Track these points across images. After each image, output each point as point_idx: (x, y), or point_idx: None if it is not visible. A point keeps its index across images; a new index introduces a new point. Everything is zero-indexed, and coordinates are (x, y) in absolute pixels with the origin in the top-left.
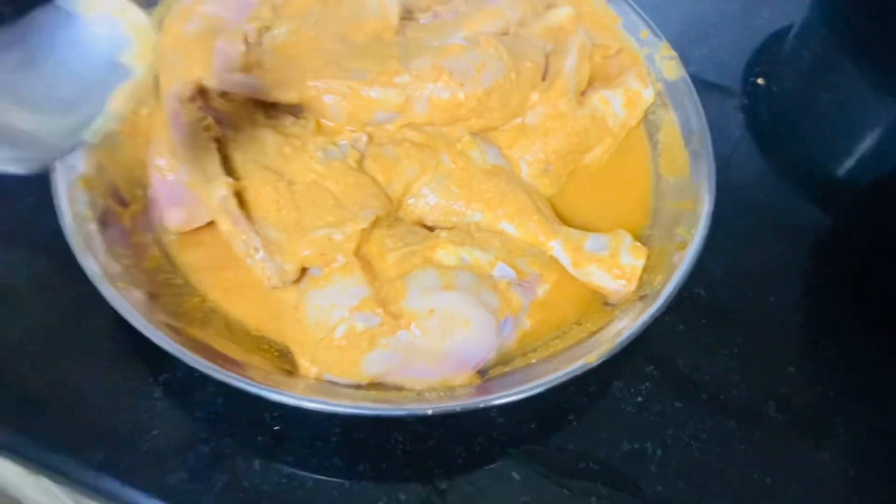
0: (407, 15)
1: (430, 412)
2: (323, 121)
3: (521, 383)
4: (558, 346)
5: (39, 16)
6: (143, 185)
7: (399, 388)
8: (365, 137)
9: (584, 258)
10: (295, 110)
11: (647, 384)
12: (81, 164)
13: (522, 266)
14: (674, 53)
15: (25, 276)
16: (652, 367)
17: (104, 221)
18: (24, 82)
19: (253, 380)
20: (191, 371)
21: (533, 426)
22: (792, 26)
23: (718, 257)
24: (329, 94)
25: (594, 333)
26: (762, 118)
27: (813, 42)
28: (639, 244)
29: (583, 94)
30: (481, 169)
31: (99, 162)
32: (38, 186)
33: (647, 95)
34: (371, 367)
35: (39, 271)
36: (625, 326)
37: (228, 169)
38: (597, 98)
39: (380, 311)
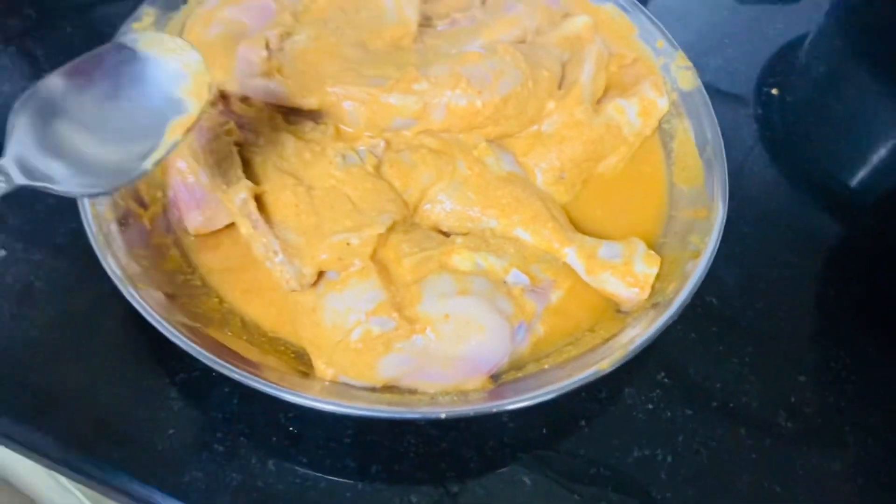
0: (425, 22)
1: (443, 416)
2: (342, 126)
3: (533, 389)
4: (571, 352)
5: (105, 54)
6: (163, 187)
7: (413, 392)
8: (383, 143)
9: (597, 265)
10: (315, 116)
11: (658, 391)
12: None
13: (536, 272)
14: (689, 63)
15: (45, 276)
16: (663, 374)
17: (124, 222)
18: (98, 117)
19: (269, 381)
20: (207, 371)
21: (544, 431)
22: (807, 36)
23: (731, 266)
24: (348, 101)
25: (607, 340)
26: (776, 128)
27: (827, 52)
28: (652, 252)
29: (598, 102)
30: (497, 176)
31: None
32: None
33: (662, 105)
34: (386, 370)
35: (59, 271)
36: (637, 334)
37: (248, 173)
38: (612, 107)
39: (395, 315)
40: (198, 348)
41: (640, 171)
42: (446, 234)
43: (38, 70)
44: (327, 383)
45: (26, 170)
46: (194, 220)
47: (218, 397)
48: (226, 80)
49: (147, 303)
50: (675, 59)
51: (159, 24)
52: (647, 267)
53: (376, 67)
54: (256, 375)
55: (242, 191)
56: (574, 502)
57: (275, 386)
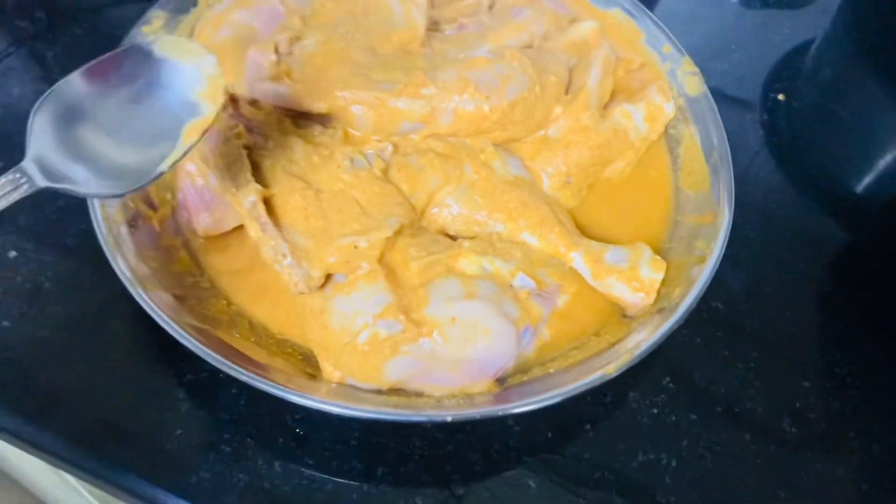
0: (433, 27)
1: (449, 419)
2: (350, 130)
3: (539, 392)
4: (577, 356)
5: (123, 56)
6: (172, 189)
7: (419, 395)
8: (390, 147)
9: (603, 270)
10: (323, 120)
11: (663, 396)
12: None
13: (543, 277)
14: (696, 69)
15: (55, 277)
16: (668, 378)
17: (134, 224)
18: (117, 120)
19: (276, 382)
20: (215, 372)
21: (549, 435)
22: (813, 42)
23: (736, 271)
24: (357, 105)
25: (612, 345)
26: (782, 133)
27: (834, 58)
28: (658, 257)
29: (605, 107)
30: (504, 180)
31: None
32: None
33: (669, 110)
34: (393, 372)
35: (68, 272)
36: (643, 339)
37: (258, 176)
38: (619, 112)
39: (402, 318)
40: (206, 350)
41: (647, 176)
42: (453, 238)
43: (48, 72)
44: (334, 385)
45: (47, 171)
46: (203, 223)
47: (225, 398)
48: (235, 83)
49: (156, 304)
50: (681, 64)
51: (169, 27)
52: (652, 272)
53: (385, 72)
54: (264, 377)
55: (251, 194)
56: None
57: (282, 388)
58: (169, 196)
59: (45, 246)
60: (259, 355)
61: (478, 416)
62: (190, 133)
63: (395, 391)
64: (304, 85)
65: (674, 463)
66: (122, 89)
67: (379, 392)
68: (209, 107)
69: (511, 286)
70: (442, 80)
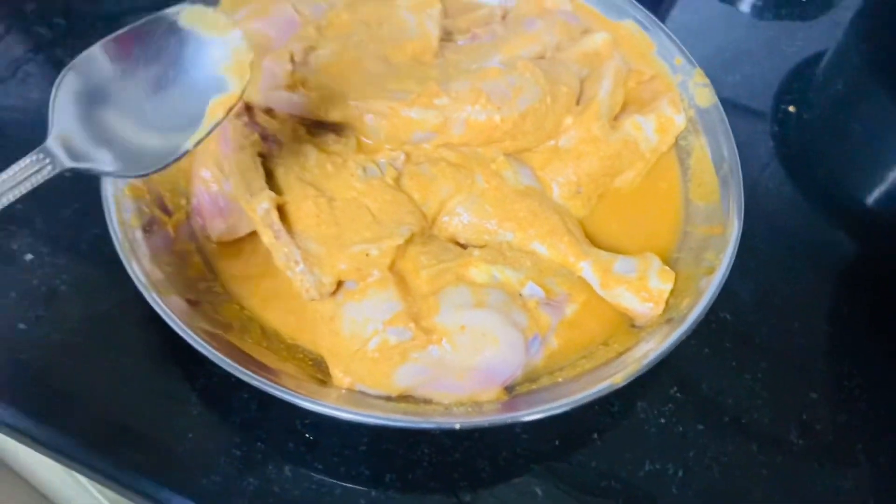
0: (446, 37)
1: (457, 426)
2: (363, 139)
3: (547, 401)
4: (585, 365)
5: (148, 27)
6: (187, 195)
7: (428, 402)
8: (403, 156)
9: (612, 280)
10: (337, 128)
11: (671, 405)
12: None
13: (552, 286)
14: (707, 81)
15: (70, 280)
16: (676, 388)
17: (149, 229)
18: (142, 97)
19: (287, 388)
20: (226, 377)
21: (557, 443)
22: (824, 54)
23: (745, 282)
24: (370, 114)
25: (621, 354)
26: (792, 145)
27: (845, 70)
28: (667, 268)
29: (616, 118)
30: (514, 189)
31: None
32: (84, 193)
33: (679, 122)
34: (402, 379)
35: (83, 275)
36: (651, 348)
37: (271, 183)
38: (630, 123)
39: (412, 325)
40: (218, 354)
41: (657, 187)
42: (464, 247)
43: None
44: (344, 391)
45: (71, 152)
46: (217, 228)
47: (237, 403)
48: (251, 91)
49: (169, 309)
50: (692, 76)
51: None
52: (661, 282)
53: (398, 82)
54: (275, 382)
55: (265, 200)
56: None
57: (292, 393)
58: (183, 202)
59: (60, 249)
60: (270, 360)
61: (486, 424)
62: (216, 109)
63: (404, 398)
64: (319, 94)
65: (680, 473)
66: (145, 65)
67: (388, 399)
68: (236, 82)
69: (520, 295)
70: (454, 90)
